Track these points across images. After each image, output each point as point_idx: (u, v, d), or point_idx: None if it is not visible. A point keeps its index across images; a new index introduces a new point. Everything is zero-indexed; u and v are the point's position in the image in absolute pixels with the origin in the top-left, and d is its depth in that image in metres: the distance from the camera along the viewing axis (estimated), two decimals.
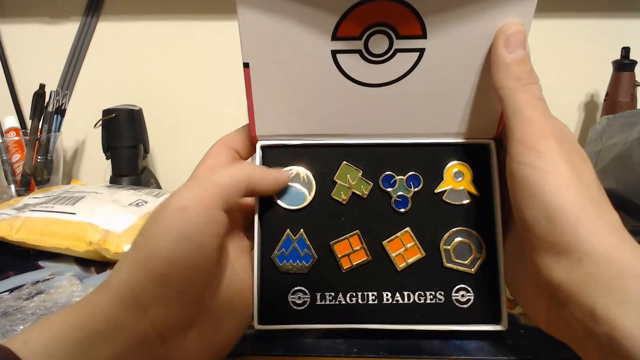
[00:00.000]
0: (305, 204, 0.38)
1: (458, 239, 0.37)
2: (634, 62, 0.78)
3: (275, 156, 0.38)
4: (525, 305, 0.34)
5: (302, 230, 0.37)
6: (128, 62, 0.93)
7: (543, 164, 0.30)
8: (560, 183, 0.29)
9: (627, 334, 0.25)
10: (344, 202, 0.38)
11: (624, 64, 0.78)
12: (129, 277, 0.29)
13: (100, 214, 0.56)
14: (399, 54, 0.35)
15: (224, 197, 0.32)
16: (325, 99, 0.37)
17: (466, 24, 0.33)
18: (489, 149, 0.38)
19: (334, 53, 0.35)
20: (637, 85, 0.78)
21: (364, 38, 0.34)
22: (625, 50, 0.78)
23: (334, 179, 0.38)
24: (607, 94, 0.80)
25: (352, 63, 0.35)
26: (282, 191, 0.38)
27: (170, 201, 0.31)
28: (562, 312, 0.29)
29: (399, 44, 0.34)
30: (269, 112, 0.37)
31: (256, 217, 0.37)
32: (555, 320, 0.31)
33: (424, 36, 0.34)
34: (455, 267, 0.37)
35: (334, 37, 0.34)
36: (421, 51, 0.35)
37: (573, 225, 0.28)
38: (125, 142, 0.82)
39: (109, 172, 0.85)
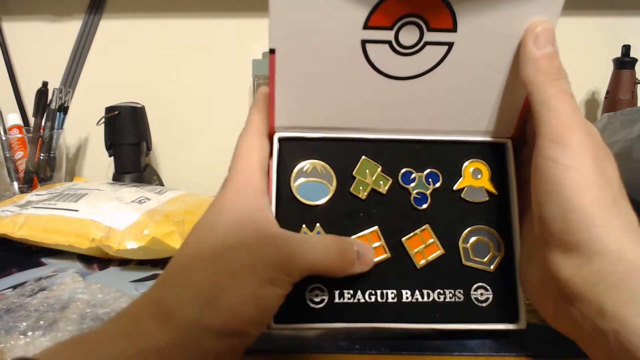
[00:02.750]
0: (325, 199, 0.37)
1: (476, 237, 0.37)
2: (635, 60, 0.78)
3: (293, 149, 0.37)
4: (533, 300, 0.34)
5: (318, 225, 0.36)
6: (130, 60, 0.93)
7: (567, 159, 0.30)
8: (582, 180, 0.29)
9: (636, 331, 0.25)
10: (363, 198, 0.37)
11: (624, 62, 0.78)
12: (196, 323, 0.28)
13: (102, 211, 0.56)
14: (427, 47, 0.34)
15: (302, 276, 0.32)
16: (350, 90, 0.36)
17: (496, 19, 0.33)
18: (506, 148, 0.38)
19: (364, 43, 0.34)
20: (638, 83, 0.78)
21: (395, 29, 0.33)
22: (626, 48, 0.78)
23: (353, 173, 0.37)
24: (607, 92, 0.80)
25: (380, 54, 0.34)
26: (304, 186, 0.37)
27: (256, 259, 0.30)
28: (569, 308, 0.29)
29: (429, 36, 0.34)
30: (291, 102, 0.36)
31: (273, 212, 0.36)
32: (562, 316, 0.31)
33: (454, 29, 0.33)
34: (474, 265, 0.37)
35: (365, 26, 0.33)
36: (450, 45, 0.34)
37: (588, 225, 0.28)
38: (128, 139, 0.82)
39: (111, 169, 0.85)
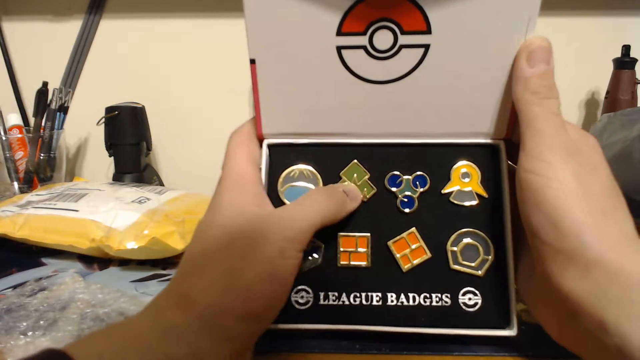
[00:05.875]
0: None
1: (465, 241, 0.37)
2: (635, 60, 0.78)
3: (282, 155, 0.38)
4: (538, 316, 0.34)
5: None
6: (131, 60, 0.93)
7: (549, 173, 0.30)
8: (566, 190, 0.29)
9: (639, 347, 0.25)
10: None
11: (624, 62, 0.78)
12: (217, 308, 0.29)
13: (103, 211, 0.56)
14: (404, 50, 0.34)
15: (308, 240, 0.33)
16: (331, 96, 0.36)
17: (470, 18, 0.33)
18: (498, 150, 0.38)
19: (339, 49, 0.34)
20: (638, 83, 0.78)
21: (368, 33, 0.34)
22: (626, 48, 0.78)
23: (340, 174, 0.38)
24: (607, 92, 0.80)
25: (357, 59, 0.34)
26: (290, 190, 0.37)
27: (262, 238, 0.31)
28: (572, 324, 0.29)
29: (403, 39, 0.34)
30: (275, 109, 0.37)
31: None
32: (566, 331, 0.31)
33: (428, 31, 0.33)
34: (462, 269, 0.36)
35: (339, 33, 0.33)
36: (426, 47, 0.34)
37: (578, 231, 0.28)
38: (128, 139, 0.82)
39: (111, 170, 0.85)
